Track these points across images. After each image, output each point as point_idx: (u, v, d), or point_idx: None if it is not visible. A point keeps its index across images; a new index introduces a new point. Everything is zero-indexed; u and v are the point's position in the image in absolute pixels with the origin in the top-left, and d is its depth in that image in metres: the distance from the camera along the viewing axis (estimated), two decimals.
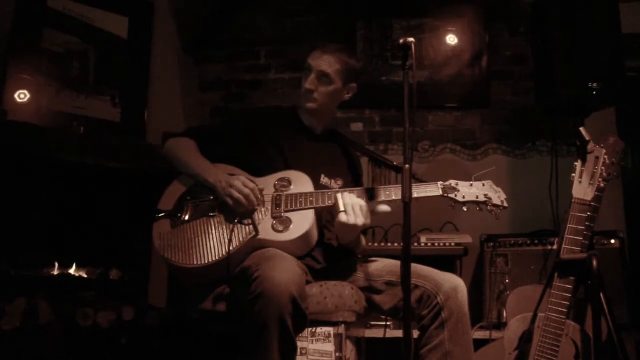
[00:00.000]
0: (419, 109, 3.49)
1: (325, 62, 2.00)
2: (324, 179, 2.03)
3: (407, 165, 1.54)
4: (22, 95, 2.70)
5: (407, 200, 1.53)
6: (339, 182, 2.06)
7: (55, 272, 2.66)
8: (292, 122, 2.13)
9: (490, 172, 1.90)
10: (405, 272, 1.58)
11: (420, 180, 1.92)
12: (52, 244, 2.66)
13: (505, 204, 1.84)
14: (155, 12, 3.34)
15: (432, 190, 1.84)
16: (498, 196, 1.84)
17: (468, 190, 1.84)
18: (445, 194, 1.83)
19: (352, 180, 2.14)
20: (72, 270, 2.72)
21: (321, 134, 2.14)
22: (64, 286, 2.60)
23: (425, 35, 3.57)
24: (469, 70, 3.53)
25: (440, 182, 1.85)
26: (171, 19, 3.51)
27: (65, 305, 2.40)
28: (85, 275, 2.76)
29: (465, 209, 1.85)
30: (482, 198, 1.83)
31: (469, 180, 1.87)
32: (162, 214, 1.91)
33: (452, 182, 1.85)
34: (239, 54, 3.79)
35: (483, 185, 1.86)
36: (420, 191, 1.83)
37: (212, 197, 1.89)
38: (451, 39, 3.58)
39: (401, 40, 1.59)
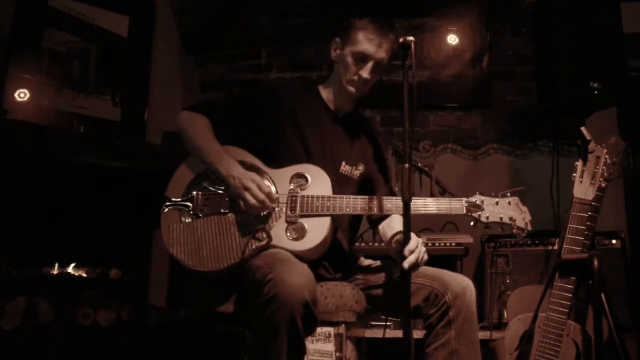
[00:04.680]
0: (420, 109, 3.49)
1: (385, 52, 1.90)
2: (344, 167, 1.95)
3: (407, 165, 1.53)
4: (22, 95, 2.70)
5: (407, 200, 1.53)
6: (361, 168, 1.97)
7: (56, 271, 2.67)
8: (314, 101, 2.01)
9: (517, 191, 1.78)
10: (406, 272, 1.58)
11: (445, 190, 1.84)
12: (52, 243, 2.66)
13: (530, 227, 1.75)
14: (157, 12, 3.35)
15: (456, 208, 1.75)
16: (523, 217, 1.75)
17: (493, 210, 1.74)
18: (469, 214, 1.74)
19: (379, 170, 2.04)
20: (72, 270, 2.73)
21: (344, 117, 2.03)
22: (65, 286, 2.60)
23: (426, 34, 3.57)
24: (470, 70, 3.53)
25: (465, 200, 1.75)
26: (172, 19, 3.51)
27: (65, 304, 2.41)
28: (85, 275, 2.76)
29: (486, 229, 1.77)
30: (506, 220, 1.74)
31: (476, 189, 1.78)
32: (171, 204, 1.81)
33: (478, 199, 1.75)
34: (240, 54, 3.79)
35: (509, 204, 1.76)
36: (443, 208, 1.75)
37: (224, 188, 1.80)
38: (452, 39, 3.57)
39: (401, 40, 1.58)
